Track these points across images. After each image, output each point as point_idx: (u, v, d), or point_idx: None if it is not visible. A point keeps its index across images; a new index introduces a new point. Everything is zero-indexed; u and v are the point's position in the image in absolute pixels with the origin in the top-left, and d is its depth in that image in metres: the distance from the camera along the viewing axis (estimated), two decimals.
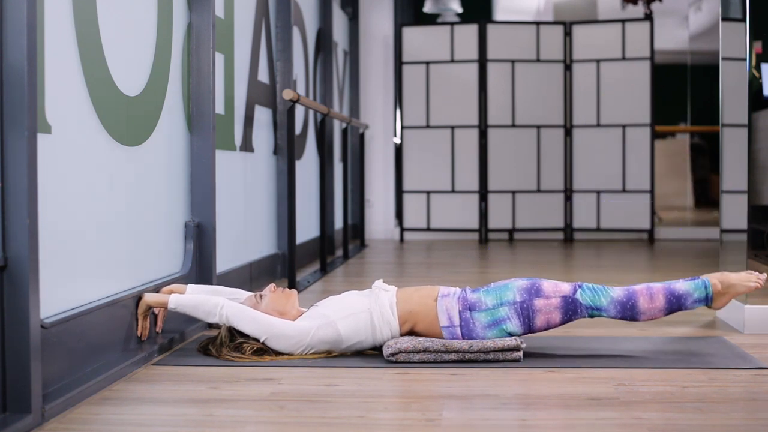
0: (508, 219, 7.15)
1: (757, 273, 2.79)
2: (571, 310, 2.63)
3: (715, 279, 2.72)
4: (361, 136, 6.76)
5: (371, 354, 2.69)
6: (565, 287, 2.66)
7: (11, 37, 1.90)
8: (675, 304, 2.65)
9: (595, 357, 2.65)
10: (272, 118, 4.69)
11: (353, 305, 2.67)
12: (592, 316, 2.65)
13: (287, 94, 4.05)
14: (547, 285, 2.66)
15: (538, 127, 7.15)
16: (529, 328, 2.64)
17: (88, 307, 2.39)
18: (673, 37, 7.96)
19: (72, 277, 2.34)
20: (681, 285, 2.68)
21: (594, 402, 2.15)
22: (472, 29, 7.14)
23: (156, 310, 2.79)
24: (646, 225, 7.06)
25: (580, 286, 2.66)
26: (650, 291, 2.65)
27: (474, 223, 7.16)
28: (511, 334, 2.64)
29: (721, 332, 3.08)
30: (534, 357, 2.64)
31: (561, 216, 7.18)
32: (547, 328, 2.66)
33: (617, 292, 2.65)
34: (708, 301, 2.70)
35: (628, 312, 2.63)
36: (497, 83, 7.15)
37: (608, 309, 2.63)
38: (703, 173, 8.22)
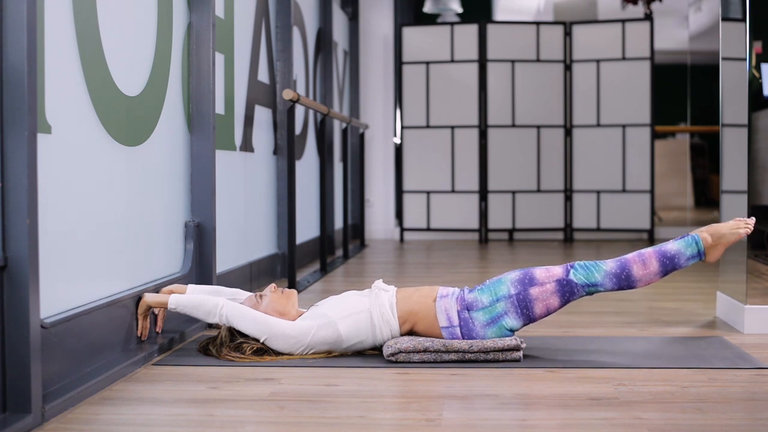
0: (508, 219, 7.16)
1: (745, 219, 2.80)
2: (567, 292, 2.63)
3: (704, 233, 2.73)
4: (361, 136, 6.76)
5: (371, 354, 2.69)
6: (558, 270, 2.66)
7: (11, 37, 1.90)
8: (669, 265, 2.66)
9: (595, 357, 2.65)
10: (272, 118, 4.69)
11: (353, 305, 2.67)
12: (590, 293, 2.65)
13: (287, 94, 4.05)
14: (540, 272, 2.66)
15: (538, 127, 7.15)
16: (529, 319, 2.64)
17: (88, 307, 2.39)
18: (673, 37, 7.96)
19: (72, 277, 2.35)
20: (672, 245, 2.69)
21: (594, 402, 2.15)
22: (472, 29, 7.14)
23: (156, 311, 2.79)
24: (646, 225, 7.06)
25: (572, 266, 2.66)
26: (642, 257, 2.66)
27: (474, 223, 7.17)
28: (511, 330, 2.63)
29: (721, 332, 3.08)
30: (534, 357, 2.64)
31: (561, 216, 7.18)
32: (548, 314, 2.65)
33: (609, 264, 2.65)
34: (701, 255, 2.71)
35: (624, 282, 2.63)
36: (497, 83, 7.15)
37: (604, 283, 2.63)
38: (703, 173, 8.22)
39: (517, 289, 2.63)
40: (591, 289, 2.64)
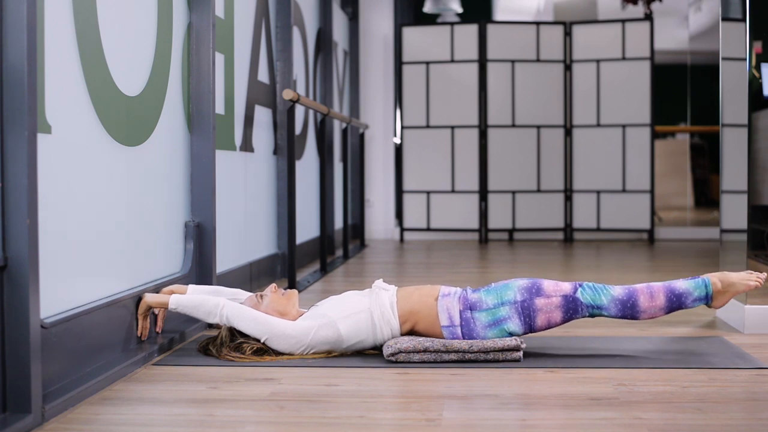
0: (508, 219, 7.16)
1: (756, 273, 2.81)
2: (571, 309, 2.63)
3: (715, 278, 2.73)
4: (361, 136, 6.76)
5: (371, 354, 2.69)
6: (566, 286, 2.66)
7: (11, 37, 1.90)
8: (675, 303, 2.66)
9: (595, 357, 2.65)
10: (272, 118, 4.69)
11: (354, 305, 2.67)
12: (592, 315, 2.66)
13: (287, 94, 4.05)
14: (548, 284, 2.67)
15: (538, 127, 7.15)
16: (529, 328, 2.65)
17: (88, 307, 2.39)
18: (673, 37, 7.96)
19: (72, 277, 2.34)
20: (681, 284, 2.69)
21: (594, 402, 2.15)
22: (472, 29, 7.14)
23: (156, 311, 2.79)
24: (646, 225, 7.06)
25: (580, 285, 2.66)
26: (651, 290, 2.66)
27: (474, 223, 7.17)
28: (511, 334, 2.64)
29: (721, 332, 3.08)
30: (534, 357, 2.64)
31: (561, 216, 7.18)
32: (548, 327, 2.66)
33: (618, 290, 2.65)
34: (708, 299, 2.71)
35: (629, 311, 2.64)
36: (497, 83, 7.15)
37: (609, 308, 2.64)
38: (703, 173, 8.22)
39: (524, 296, 2.64)
40: (595, 311, 2.64)
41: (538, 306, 2.63)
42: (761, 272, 2.81)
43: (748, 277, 2.78)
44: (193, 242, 3.21)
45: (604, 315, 2.65)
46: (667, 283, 2.69)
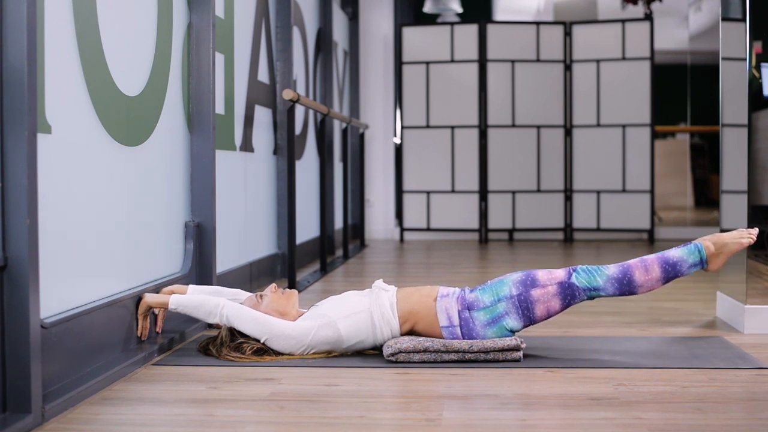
0: (508, 219, 7.16)
1: (748, 230, 2.82)
2: (569, 295, 2.63)
3: (707, 241, 2.74)
4: (361, 136, 6.76)
5: (371, 354, 2.69)
6: (560, 273, 2.66)
7: (11, 37, 1.90)
8: (671, 272, 2.66)
9: (595, 357, 2.65)
10: (272, 118, 4.69)
11: (353, 305, 2.67)
12: (591, 298, 2.65)
13: (287, 94, 4.05)
14: (542, 274, 2.67)
15: (538, 127, 7.15)
16: (529, 320, 2.64)
17: (88, 307, 2.39)
18: (673, 37, 7.96)
19: (72, 277, 2.34)
20: (674, 252, 2.69)
21: (594, 402, 2.15)
22: (472, 29, 7.14)
23: (156, 311, 2.79)
24: (646, 225, 7.06)
25: (574, 270, 2.66)
26: (644, 263, 2.66)
27: (474, 223, 7.17)
28: (512, 331, 2.64)
29: (721, 332, 3.08)
30: (534, 357, 2.64)
31: (561, 216, 7.18)
32: (548, 316, 2.66)
33: (612, 269, 2.65)
34: (703, 264, 2.72)
35: (626, 287, 2.64)
36: (497, 83, 7.15)
37: (605, 288, 2.63)
38: (703, 173, 8.22)
39: (519, 290, 2.64)
40: (592, 293, 2.64)
41: (534, 297, 2.63)
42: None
43: (740, 235, 2.79)
44: (193, 242, 3.21)
45: (602, 296, 2.65)
46: (660, 254, 2.69)
